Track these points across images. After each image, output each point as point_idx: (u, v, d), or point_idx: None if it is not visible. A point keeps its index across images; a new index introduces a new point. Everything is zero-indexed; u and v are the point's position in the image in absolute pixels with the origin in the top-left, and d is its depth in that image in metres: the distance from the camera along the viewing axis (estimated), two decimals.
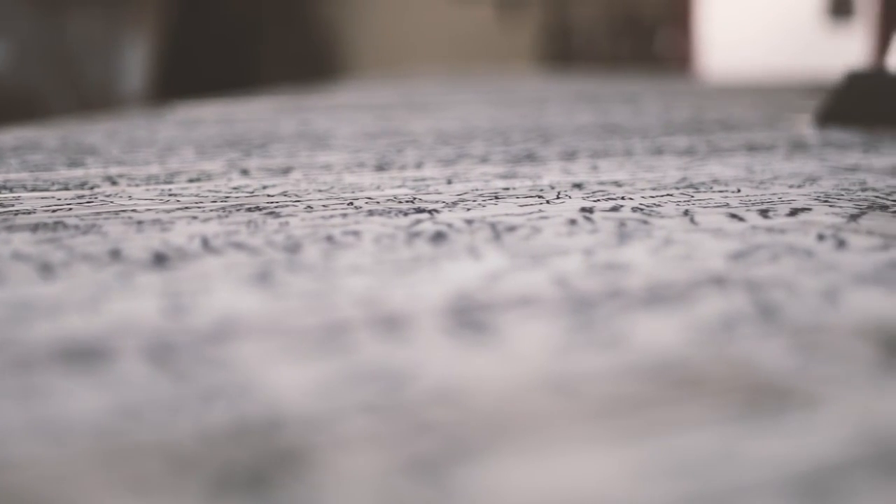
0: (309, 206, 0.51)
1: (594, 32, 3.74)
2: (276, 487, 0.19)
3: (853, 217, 0.48)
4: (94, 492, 0.19)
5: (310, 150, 0.78)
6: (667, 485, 0.19)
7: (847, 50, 3.63)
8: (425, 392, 0.24)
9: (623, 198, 0.53)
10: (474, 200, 0.52)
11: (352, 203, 0.52)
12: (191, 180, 0.61)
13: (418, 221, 0.46)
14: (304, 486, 0.19)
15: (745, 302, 0.32)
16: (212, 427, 0.22)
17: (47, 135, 0.96)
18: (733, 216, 0.48)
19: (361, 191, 0.56)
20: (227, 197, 0.54)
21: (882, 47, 3.61)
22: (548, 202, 0.52)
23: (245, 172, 0.65)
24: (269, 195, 0.55)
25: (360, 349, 0.28)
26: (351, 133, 0.92)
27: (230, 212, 0.50)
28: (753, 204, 0.51)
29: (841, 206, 0.51)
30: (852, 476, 0.20)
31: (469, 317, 0.31)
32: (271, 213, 0.49)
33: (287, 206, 0.51)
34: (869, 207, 0.50)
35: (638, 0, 3.74)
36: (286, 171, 0.65)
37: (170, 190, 0.57)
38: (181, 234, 0.44)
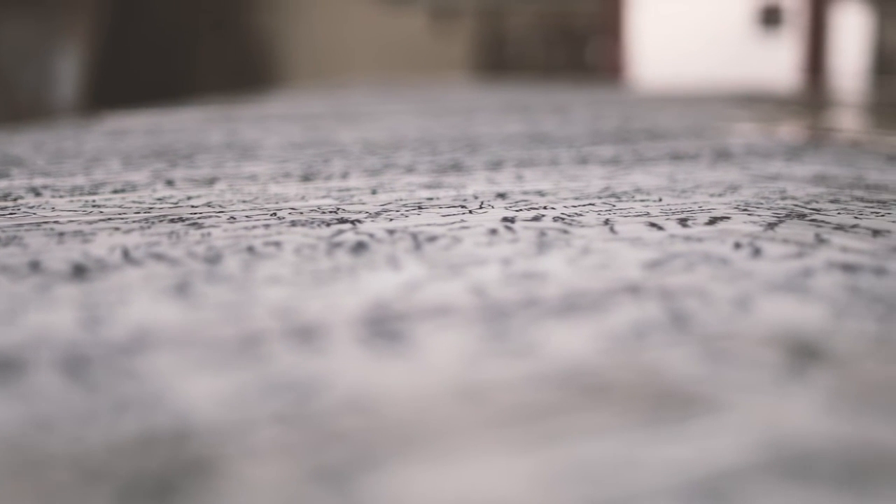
0: (232, 217, 0.51)
1: (528, 42, 3.75)
2: (184, 496, 0.20)
3: (770, 225, 0.48)
4: (4, 503, 0.19)
5: (236, 160, 0.78)
6: (568, 491, 0.20)
7: (776, 59, 3.66)
8: (336, 401, 0.25)
9: (545, 207, 0.53)
10: (397, 211, 0.53)
11: (275, 214, 0.52)
12: (115, 191, 0.61)
13: (340, 232, 0.47)
14: (212, 495, 0.20)
15: (657, 310, 0.33)
16: (122, 438, 0.22)
17: None
18: (653, 225, 0.48)
19: (286, 201, 0.56)
20: (151, 208, 0.54)
21: (811, 56, 3.64)
22: (470, 212, 0.52)
23: (170, 183, 0.65)
24: (192, 206, 0.55)
25: (273, 359, 0.28)
26: (279, 143, 0.92)
27: (153, 223, 0.50)
28: (673, 213, 0.52)
29: (759, 215, 0.51)
30: (751, 480, 0.20)
31: (384, 326, 0.31)
32: (194, 224, 0.49)
33: (210, 217, 0.51)
34: (787, 216, 0.51)
35: (571, 10, 3.76)
36: (211, 181, 0.65)
37: (94, 201, 0.57)
38: (102, 245, 0.44)
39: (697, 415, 0.24)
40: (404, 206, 0.54)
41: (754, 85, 2.86)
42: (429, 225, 0.48)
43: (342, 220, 0.50)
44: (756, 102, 1.77)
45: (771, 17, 3.68)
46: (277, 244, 0.44)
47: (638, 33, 3.67)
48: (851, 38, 3.73)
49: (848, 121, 1.31)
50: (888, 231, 0.47)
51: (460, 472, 0.21)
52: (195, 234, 0.47)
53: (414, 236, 0.45)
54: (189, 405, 0.24)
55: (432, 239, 0.45)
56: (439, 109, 1.46)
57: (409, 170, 0.71)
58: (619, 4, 3.67)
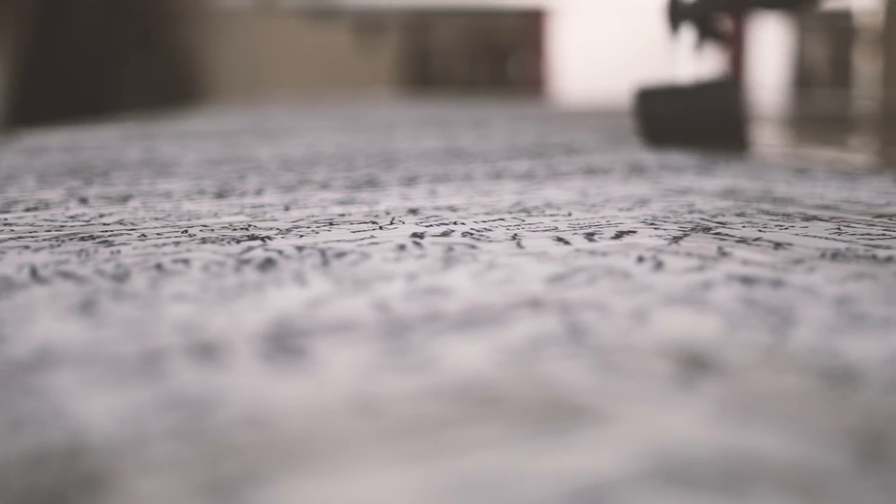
0: (143, 235, 0.51)
1: (452, 57, 3.76)
2: None
3: (675, 239, 0.49)
4: None
5: (152, 177, 0.78)
6: (453, 503, 0.20)
7: (698, 72, 3.70)
8: (233, 416, 0.25)
9: (455, 223, 0.54)
10: (308, 227, 0.53)
11: (186, 231, 0.52)
12: (28, 209, 0.61)
13: (250, 249, 0.47)
14: None
15: (556, 324, 0.33)
16: (16, 454, 0.23)
17: None
18: (559, 240, 0.49)
19: (198, 218, 0.56)
20: (63, 226, 0.54)
21: (732, 70, 3.68)
22: (381, 228, 0.52)
23: (83, 201, 0.65)
24: (104, 224, 0.55)
25: (173, 376, 0.28)
26: (196, 160, 0.92)
27: (63, 241, 0.50)
28: (581, 227, 0.52)
29: (665, 229, 0.52)
30: (633, 490, 0.21)
31: (286, 342, 0.31)
32: (104, 241, 0.49)
33: (121, 234, 0.51)
34: (692, 230, 0.52)
35: (495, 26, 3.77)
36: (125, 199, 0.65)
37: (5, 219, 0.57)
38: (10, 264, 0.44)
39: (585, 426, 0.24)
40: (315, 222, 0.55)
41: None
42: (338, 241, 0.49)
43: (252, 237, 0.50)
44: None
45: None
46: (186, 261, 0.44)
47: (560, 48, 3.69)
48: (771, 51, 3.77)
49: (765, 134, 1.32)
50: (790, 244, 0.48)
51: (349, 485, 0.21)
52: (105, 251, 0.47)
53: (322, 252, 0.46)
54: (85, 421, 0.25)
55: (340, 255, 0.45)
56: (359, 125, 1.47)
57: (324, 186, 0.71)
58: (541, 20, 3.69)
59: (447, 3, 3.69)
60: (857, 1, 3.66)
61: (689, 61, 3.73)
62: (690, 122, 0.97)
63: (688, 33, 0.93)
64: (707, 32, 0.94)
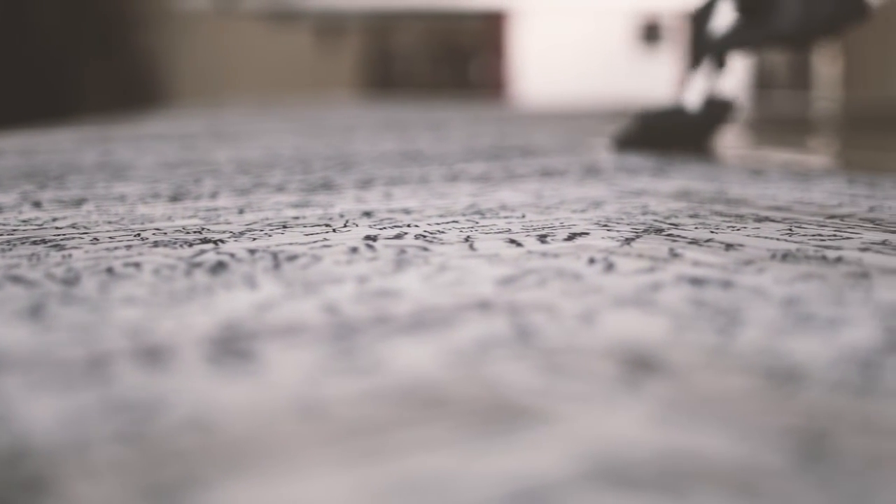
0: (95, 239, 0.51)
1: (414, 59, 3.76)
2: None
3: (627, 241, 0.49)
4: None
5: (107, 181, 0.78)
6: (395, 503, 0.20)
7: (658, 75, 3.71)
8: (177, 420, 0.25)
9: (409, 225, 0.54)
10: (262, 230, 0.53)
11: (139, 234, 0.52)
12: None
13: (202, 252, 0.47)
14: None
15: (504, 325, 0.34)
16: None
17: None
18: (512, 242, 0.49)
19: (151, 222, 0.56)
20: (15, 230, 0.54)
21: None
22: (334, 231, 0.52)
23: (37, 205, 0.64)
24: (57, 228, 0.55)
25: (119, 379, 0.28)
26: (152, 163, 0.92)
27: (14, 245, 0.49)
28: (534, 229, 0.53)
29: (618, 231, 0.52)
30: (574, 491, 0.21)
31: (233, 346, 0.31)
32: (56, 245, 0.49)
33: (73, 238, 0.51)
34: (645, 231, 0.52)
35: (457, 28, 3.77)
36: (79, 203, 0.65)
37: None
38: None
39: (529, 427, 0.24)
40: (269, 225, 0.54)
41: (635, 100, 2.89)
42: (291, 244, 0.49)
43: (205, 241, 0.50)
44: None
45: (651, 34, 3.73)
46: (137, 265, 0.44)
47: (521, 50, 3.70)
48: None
49: (724, 135, 1.33)
50: (741, 245, 0.48)
51: (291, 488, 0.21)
52: (56, 255, 0.47)
53: (274, 255, 0.46)
54: (29, 425, 0.25)
55: (292, 258, 0.45)
56: (318, 128, 1.46)
57: (280, 189, 0.71)
58: (502, 22, 3.69)
59: (408, 6, 3.69)
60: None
61: (646, 65, 3.74)
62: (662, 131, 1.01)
63: (707, 65, 0.96)
64: (722, 63, 0.99)
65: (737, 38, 0.97)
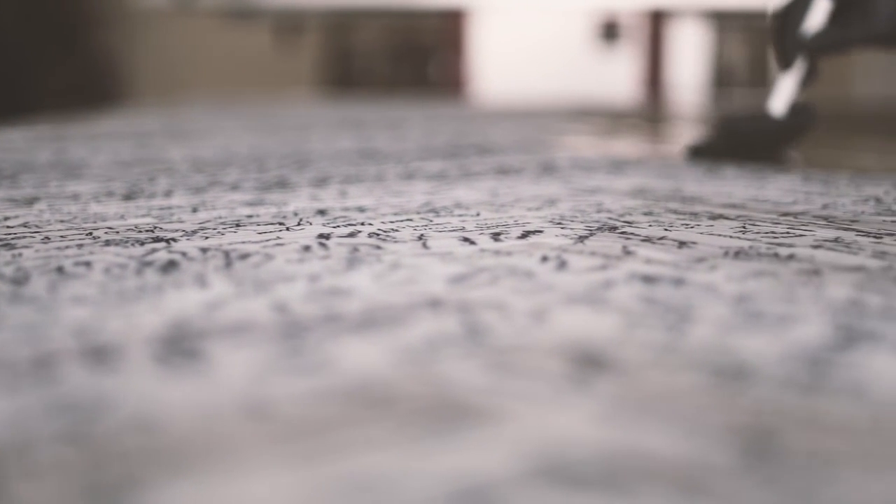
0: (46, 238, 0.50)
1: (374, 57, 3.76)
2: None
3: (581, 238, 0.49)
4: None
5: (61, 180, 0.77)
6: (339, 503, 0.20)
7: (617, 73, 3.72)
8: (121, 420, 0.25)
9: (363, 223, 0.54)
10: (215, 229, 0.53)
11: (91, 233, 0.51)
12: None
13: (153, 251, 0.47)
14: None
15: (454, 324, 0.33)
16: None
17: None
18: (465, 240, 0.49)
19: (104, 221, 0.56)
20: None
21: (650, 70, 3.70)
22: (287, 229, 0.52)
23: None
24: (8, 227, 0.54)
25: (64, 380, 0.28)
26: (106, 162, 0.92)
27: None
28: (488, 227, 0.52)
29: (572, 228, 0.52)
30: (519, 491, 0.21)
31: (181, 345, 0.31)
32: (6, 245, 0.49)
33: (24, 237, 0.51)
34: (599, 229, 0.52)
35: (416, 26, 3.77)
36: (31, 201, 0.64)
37: None
38: None
39: (475, 426, 0.24)
40: (222, 224, 0.54)
41: (593, 98, 2.90)
42: (243, 243, 0.48)
43: (157, 239, 0.49)
44: (591, 116, 1.80)
45: (610, 32, 3.74)
46: (88, 264, 0.44)
47: (480, 49, 3.70)
48: (690, 51, 3.80)
49: (681, 133, 1.33)
50: (694, 242, 0.48)
51: (234, 489, 0.21)
52: (6, 254, 0.46)
53: (226, 254, 0.45)
54: None
55: (244, 256, 0.45)
56: (275, 126, 1.46)
57: (234, 187, 0.71)
58: (461, 20, 3.70)
59: (368, 4, 3.69)
60: (773, 1, 3.69)
61: (604, 64, 3.75)
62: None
63: (798, 67, 0.91)
64: (814, 66, 0.93)
65: (832, 38, 0.92)
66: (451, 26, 3.73)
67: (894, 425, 0.25)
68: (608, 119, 1.72)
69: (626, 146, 1.10)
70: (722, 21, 3.87)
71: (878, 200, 0.64)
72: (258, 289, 0.39)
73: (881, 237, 0.50)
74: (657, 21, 3.77)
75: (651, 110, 2.16)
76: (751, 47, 3.93)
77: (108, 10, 3.41)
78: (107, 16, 3.41)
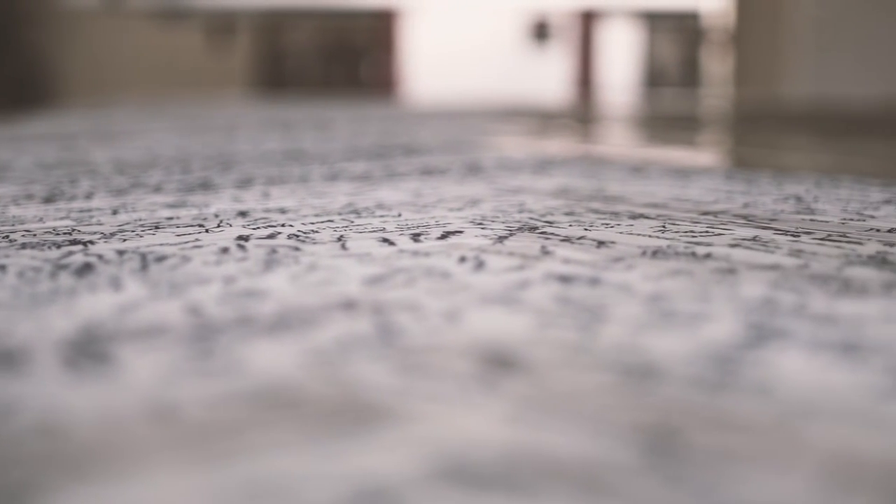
0: None
1: (306, 58, 3.75)
2: None
3: (500, 239, 0.49)
4: None
5: None
6: None
7: (548, 73, 3.73)
8: (25, 425, 0.25)
9: (283, 225, 0.54)
10: (133, 231, 0.52)
11: (7, 236, 0.51)
12: None
13: (70, 254, 0.46)
14: None
15: (367, 325, 0.33)
16: None
17: None
18: (385, 241, 0.49)
19: (22, 223, 0.55)
20: None
21: (581, 70, 3.71)
22: (207, 231, 0.52)
23: None
24: None
25: None
26: (29, 164, 0.91)
27: None
28: (408, 228, 0.52)
29: (493, 229, 0.52)
30: (420, 492, 0.21)
31: (91, 348, 0.31)
32: None
33: None
34: (519, 229, 0.52)
35: (349, 26, 3.76)
36: None
37: None
38: None
39: (381, 428, 0.24)
40: (142, 226, 0.54)
41: (525, 99, 2.90)
42: (161, 245, 0.48)
43: (74, 242, 0.49)
44: (522, 116, 1.80)
45: (541, 32, 3.75)
46: (2, 267, 0.43)
47: (412, 49, 3.70)
48: (621, 51, 3.82)
49: (610, 133, 1.34)
50: (612, 242, 0.48)
51: (135, 492, 0.21)
52: None
53: (143, 257, 0.45)
54: None
55: (161, 259, 0.45)
56: (202, 127, 1.45)
57: (157, 189, 0.70)
58: (392, 20, 3.69)
59: (300, 4, 3.68)
60: (704, 1, 3.72)
61: (536, 64, 3.76)
62: None
63: None
64: None
65: None
66: (383, 26, 3.73)
67: (798, 423, 0.25)
68: (538, 119, 1.73)
69: (554, 146, 1.10)
70: (653, 21, 3.89)
71: (798, 199, 0.64)
72: (172, 291, 0.38)
73: (799, 235, 0.50)
74: (588, 21, 3.79)
75: (581, 110, 2.17)
76: (682, 47, 3.95)
77: (36, 11, 3.38)
78: (35, 16, 3.38)
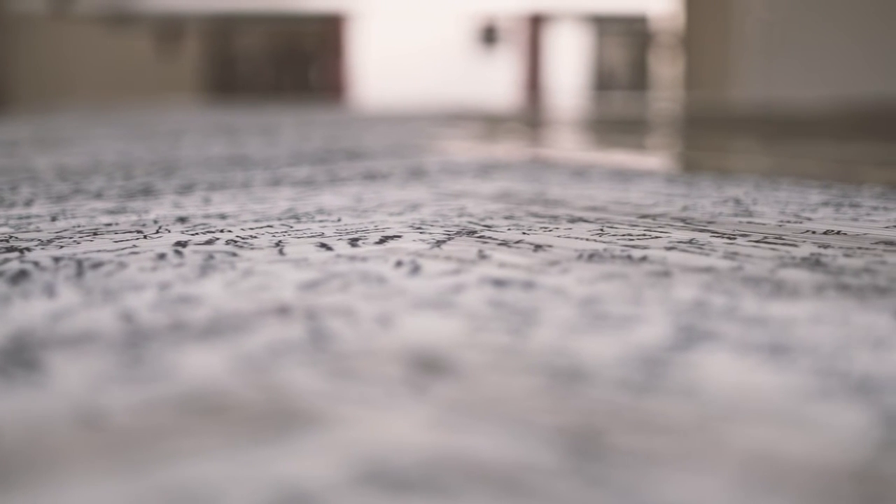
0: None
1: (256, 63, 3.74)
2: None
3: (438, 243, 0.49)
4: None
5: None
6: None
7: (497, 77, 3.73)
8: None
9: (222, 231, 0.54)
10: (71, 237, 0.52)
11: None
12: None
13: (5, 261, 0.46)
14: None
15: (300, 330, 0.33)
16: None
17: None
18: (322, 245, 0.49)
19: None
20: None
21: (530, 74, 3.72)
22: (145, 237, 0.52)
23: None
24: None
25: None
26: None
27: None
28: (347, 233, 0.52)
29: (431, 233, 0.52)
30: (342, 495, 0.21)
31: (20, 356, 0.31)
32: None
33: None
34: (458, 233, 0.52)
35: (298, 31, 3.76)
36: None
37: None
38: None
39: (308, 433, 0.24)
40: (80, 232, 0.54)
41: (473, 102, 2.91)
42: (98, 251, 0.48)
43: (11, 249, 0.49)
44: (469, 120, 1.80)
45: (489, 36, 3.75)
46: None
47: (361, 53, 3.70)
48: (569, 55, 3.83)
49: (557, 137, 1.34)
50: (549, 246, 0.49)
51: (58, 499, 0.21)
52: None
53: (79, 263, 0.45)
54: None
55: (97, 266, 0.44)
56: (147, 132, 1.45)
57: (98, 196, 0.70)
58: (341, 24, 3.69)
59: (248, 8, 3.67)
60: (652, 5, 3.74)
61: (484, 67, 3.77)
62: None
63: None
64: None
65: None
66: (332, 31, 3.72)
67: (721, 424, 0.25)
68: (485, 123, 1.73)
69: (499, 150, 1.11)
70: (602, 25, 3.90)
71: (737, 201, 0.65)
72: (106, 298, 0.38)
73: (735, 238, 0.51)
74: (536, 25, 3.79)
75: (529, 114, 2.17)
76: (631, 51, 3.97)
77: None
78: None
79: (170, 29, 3.66)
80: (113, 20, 3.63)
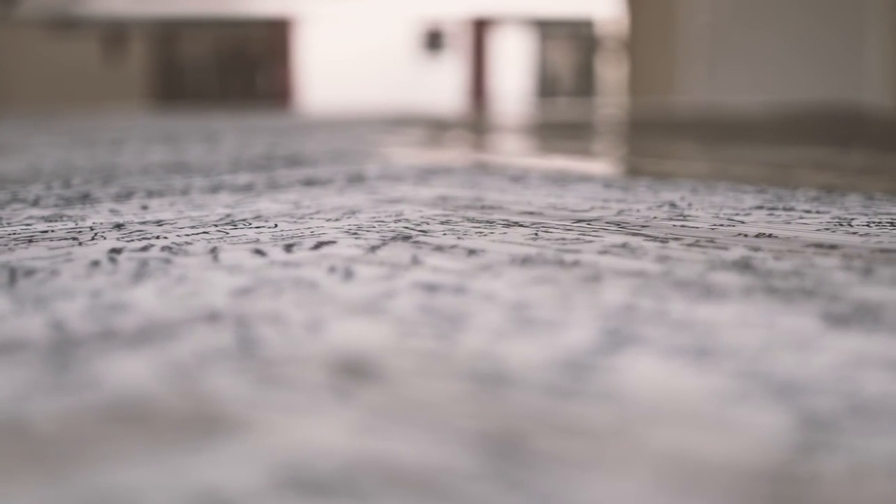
0: None
1: (203, 69, 3.73)
2: None
3: (373, 248, 0.50)
4: None
5: None
6: None
7: (442, 83, 3.74)
8: None
9: (158, 237, 0.54)
10: (6, 245, 0.52)
11: None
12: None
13: None
14: None
15: (229, 337, 0.34)
16: None
17: None
18: (257, 252, 0.49)
19: None
20: None
21: (475, 79, 3.73)
22: (80, 244, 0.52)
23: None
24: None
25: None
26: None
27: None
28: (283, 239, 0.53)
29: (367, 238, 0.53)
30: (261, 500, 0.21)
31: None
32: None
33: None
34: (393, 238, 0.53)
35: (244, 36, 3.75)
36: None
37: None
38: None
39: (229, 439, 0.25)
40: (15, 240, 0.54)
41: (418, 108, 2.91)
42: (33, 259, 0.48)
43: None
44: (414, 125, 1.80)
45: (434, 41, 3.75)
46: None
47: (307, 58, 3.69)
48: (515, 60, 3.84)
49: (499, 142, 1.34)
50: (483, 250, 0.49)
51: None
52: None
53: (12, 271, 0.45)
54: None
55: (30, 273, 0.44)
56: (88, 140, 1.44)
57: (34, 203, 0.70)
58: (287, 29, 3.68)
59: (192, 13, 3.66)
60: (597, 10, 3.75)
61: (429, 73, 3.77)
62: None
63: None
64: None
65: None
66: (278, 36, 3.72)
67: (641, 428, 0.25)
68: (429, 128, 1.73)
69: (441, 156, 1.11)
70: (546, 29, 3.91)
71: (672, 205, 0.65)
72: (37, 306, 0.38)
73: (667, 241, 0.51)
74: (481, 30, 3.80)
75: (474, 119, 2.18)
76: (576, 56, 3.98)
77: None
78: None
79: (115, 34, 3.65)
80: (57, 25, 3.61)
